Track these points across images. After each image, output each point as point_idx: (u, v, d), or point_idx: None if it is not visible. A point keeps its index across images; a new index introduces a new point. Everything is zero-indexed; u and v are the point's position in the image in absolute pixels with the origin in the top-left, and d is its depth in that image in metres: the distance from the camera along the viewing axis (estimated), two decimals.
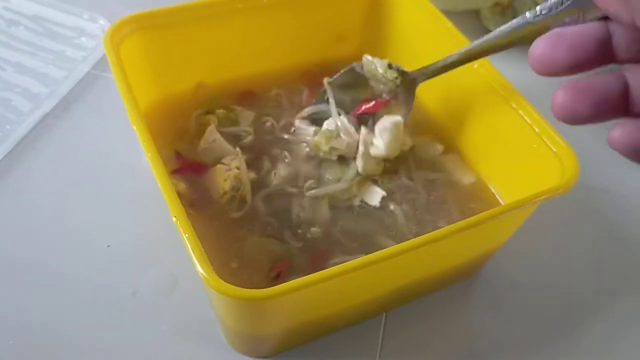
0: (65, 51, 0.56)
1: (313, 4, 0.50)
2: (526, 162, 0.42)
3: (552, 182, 0.38)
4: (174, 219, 0.33)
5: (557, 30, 0.29)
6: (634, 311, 0.45)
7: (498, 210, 0.36)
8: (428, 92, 0.50)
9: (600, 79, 0.29)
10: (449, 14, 0.48)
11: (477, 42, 0.39)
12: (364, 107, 0.45)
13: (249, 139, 0.47)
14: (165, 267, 0.43)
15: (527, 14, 0.33)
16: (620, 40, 0.29)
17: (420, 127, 0.49)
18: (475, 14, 0.64)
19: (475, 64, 0.45)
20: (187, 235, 0.32)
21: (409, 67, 0.46)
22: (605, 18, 0.29)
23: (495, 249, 0.44)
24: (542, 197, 0.37)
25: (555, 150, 0.40)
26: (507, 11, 0.63)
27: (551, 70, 0.29)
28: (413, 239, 0.34)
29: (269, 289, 0.31)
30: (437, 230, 0.34)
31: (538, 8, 0.32)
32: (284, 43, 0.50)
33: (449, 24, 0.47)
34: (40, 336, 0.40)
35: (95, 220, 0.45)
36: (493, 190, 0.46)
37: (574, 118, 0.29)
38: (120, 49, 0.42)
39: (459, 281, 0.45)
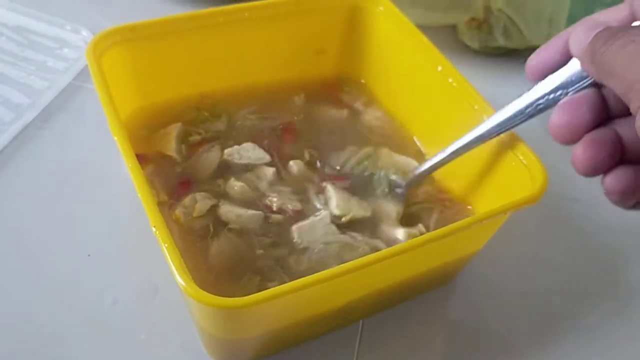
0: (47, 62, 0.56)
1: (293, 18, 0.51)
2: (497, 173, 0.43)
3: (522, 193, 0.39)
4: (154, 229, 0.34)
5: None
6: (605, 315, 0.47)
7: (469, 221, 0.37)
8: (399, 103, 0.51)
9: (606, 132, 0.32)
10: (425, 29, 0.49)
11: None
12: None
13: (195, 137, 0.48)
14: (146, 275, 0.44)
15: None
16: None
17: (392, 140, 0.50)
18: (452, 28, 0.65)
19: (450, 78, 0.46)
20: (166, 245, 0.33)
21: (385, 83, 0.46)
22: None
23: (470, 256, 0.45)
24: (511, 209, 0.38)
25: (525, 163, 0.41)
26: (483, 26, 0.64)
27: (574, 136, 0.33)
28: (385, 250, 0.35)
29: (247, 297, 0.32)
30: (408, 241, 0.36)
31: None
32: (263, 56, 0.51)
33: (424, 39, 0.48)
34: (19, 345, 0.40)
35: (75, 229, 0.46)
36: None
37: (595, 170, 0.32)
38: (103, 60, 0.43)
39: (436, 288, 0.46)
